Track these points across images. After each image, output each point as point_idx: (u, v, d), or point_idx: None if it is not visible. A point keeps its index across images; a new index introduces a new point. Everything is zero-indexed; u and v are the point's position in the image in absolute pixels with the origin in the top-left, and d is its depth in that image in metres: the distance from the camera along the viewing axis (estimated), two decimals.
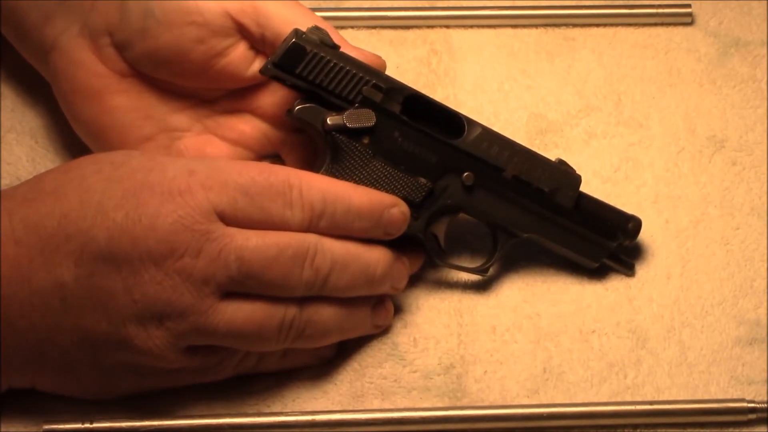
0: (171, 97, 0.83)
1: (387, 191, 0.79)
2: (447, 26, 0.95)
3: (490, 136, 0.82)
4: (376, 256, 0.78)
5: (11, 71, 0.90)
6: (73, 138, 0.86)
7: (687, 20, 0.95)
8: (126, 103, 0.82)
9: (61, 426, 0.77)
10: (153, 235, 0.72)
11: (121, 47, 0.81)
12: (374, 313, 0.81)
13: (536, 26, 0.95)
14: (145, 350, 0.73)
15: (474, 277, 0.85)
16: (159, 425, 0.78)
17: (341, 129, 0.79)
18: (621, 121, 0.91)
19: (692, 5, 0.95)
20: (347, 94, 0.79)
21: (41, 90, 0.88)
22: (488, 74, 0.93)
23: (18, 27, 0.83)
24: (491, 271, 0.84)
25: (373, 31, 0.93)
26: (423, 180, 0.80)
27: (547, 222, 0.83)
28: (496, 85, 0.92)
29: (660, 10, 0.95)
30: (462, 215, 0.83)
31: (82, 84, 0.82)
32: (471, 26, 0.95)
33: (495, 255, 0.83)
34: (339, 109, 0.79)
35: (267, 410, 0.79)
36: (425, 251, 0.82)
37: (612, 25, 0.95)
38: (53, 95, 0.87)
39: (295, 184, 0.75)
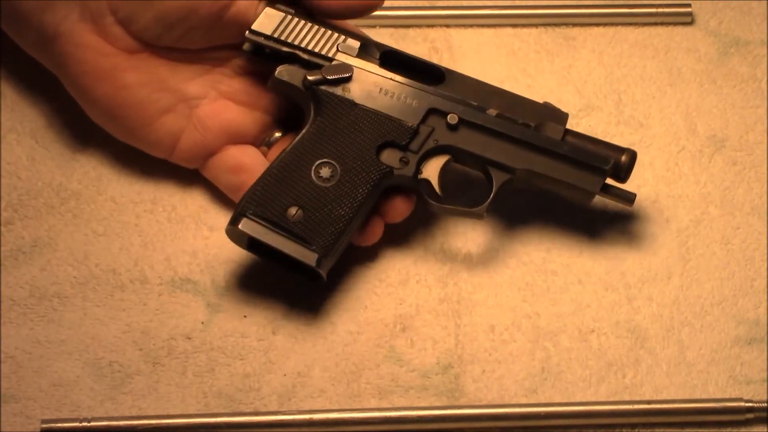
0: (181, 67, 0.84)
1: (372, 135, 0.81)
2: (447, 25, 0.95)
3: (470, 81, 0.84)
4: None
5: (11, 71, 0.90)
6: (73, 137, 0.86)
7: (687, 20, 0.95)
8: (138, 79, 0.83)
9: (60, 425, 0.77)
10: None
11: (127, 22, 0.82)
12: None
13: (536, 26, 0.95)
14: None
15: (473, 276, 0.84)
16: (157, 424, 0.78)
17: (321, 82, 0.82)
18: (621, 120, 0.91)
19: (692, 5, 0.95)
20: (326, 52, 0.83)
21: (42, 89, 0.88)
22: (488, 73, 0.92)
23: (16, 16, 0.83)
24: (489, 266, 0.84)
25: (373, 30, 0.93)
26: (407, 123, 0.82)
27: (539, 153, 0.82)
28: (496, 84, 0.92)
29: (660, 10, 0.95)
30: (454, 166, 0.84)
31: (92, 66, 0.82)
32: (471, 25, 0.95)
33: (491, 195, 0.82)
34: (318, 68, 0.82)
35: (264, 409, 0.79)
36: (421, 196, 0.83)
37: (612, 24, 0.95)
38: (54, 95, 0.87)
39: None
